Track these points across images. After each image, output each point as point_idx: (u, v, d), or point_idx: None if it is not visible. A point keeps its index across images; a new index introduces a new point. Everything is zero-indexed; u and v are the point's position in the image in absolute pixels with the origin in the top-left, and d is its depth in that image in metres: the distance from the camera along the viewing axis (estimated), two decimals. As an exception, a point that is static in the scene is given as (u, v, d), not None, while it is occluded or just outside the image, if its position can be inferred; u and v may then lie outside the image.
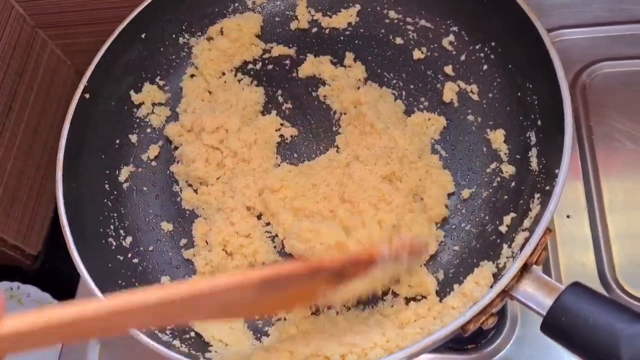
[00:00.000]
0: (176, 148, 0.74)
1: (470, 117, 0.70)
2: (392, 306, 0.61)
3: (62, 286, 1.01)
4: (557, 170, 0.55)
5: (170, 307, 0.40)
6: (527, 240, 0.53)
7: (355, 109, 0.70)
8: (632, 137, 0.75)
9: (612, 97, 0.78)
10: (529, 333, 0.66)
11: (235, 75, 0.78)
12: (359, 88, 0.73)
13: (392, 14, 0.78)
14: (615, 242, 0.70)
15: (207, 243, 0.67)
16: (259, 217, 0.68)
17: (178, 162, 0.73)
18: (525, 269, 0.52)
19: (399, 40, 0.76)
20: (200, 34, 0.79)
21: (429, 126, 0.70)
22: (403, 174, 0.66)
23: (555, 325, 0.48)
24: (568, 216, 0.72)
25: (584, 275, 0.68)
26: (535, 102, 0.64)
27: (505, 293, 0.52)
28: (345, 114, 0.72)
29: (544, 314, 0.49)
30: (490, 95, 0.70)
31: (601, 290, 0.67)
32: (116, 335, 0.43)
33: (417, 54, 0.75)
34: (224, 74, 0.77)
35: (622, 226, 0.70)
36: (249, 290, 0.44)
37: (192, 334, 0.61)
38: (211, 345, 0.60)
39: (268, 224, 0.67)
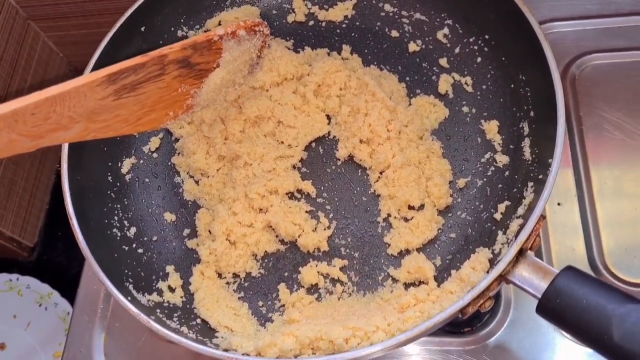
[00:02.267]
0: (177, 140, 0.75)
1: (465, 109, 0.72)
2: (391, 291, 0.63)
3: (60, 277, 1.02)
4: (550, 160, 0.58)
5: (28, 115, 0.42)
6: (522, 226, 0.56)
7: (358, 80, 0.71)
8: (620, 127, 0.78)
9: (601, 88, 0.81)
10: (523, 316, 0.68)
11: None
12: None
13: (387, 7, 0.79)
14: (604, 228, 0.72)
15: (210, 233, 0.68)
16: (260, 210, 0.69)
17: (179, 153, 0.74)
18: (520, 254, 0.54)
19: (394, 33, 0.78)
20: (198, 27, 0.80)
21: (432, 112, 0.72)
22: (402, 147, 0.68)
23: (550, 307, 0.50)
24: (559, 204, 0.75)
25: (574, 260, 0.71)
26: (528, 94, 0.66)
27: (502, 277, 0.54)
28: (343, 89, 0.73)
29: (539, 296, 0.51)
30: (484, 87, 0.72)
31: (591, 274, 0.69)
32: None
33: (412, 47, 0.77)
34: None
35: (611, 213, 0.73)
36: (101, 89, 0.45)
37: (199, 320, 0.63)
38: (217, 332, 0.62)
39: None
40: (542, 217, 0.56)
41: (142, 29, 0.76)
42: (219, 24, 0.80)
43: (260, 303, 0.66)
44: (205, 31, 0.80)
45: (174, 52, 0.51)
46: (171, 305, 0.64)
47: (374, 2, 0.80)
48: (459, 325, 0.69)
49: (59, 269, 1.04)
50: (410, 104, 0.72)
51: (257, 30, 0.58)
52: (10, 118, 0.42)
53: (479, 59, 0.73)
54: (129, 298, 0.59)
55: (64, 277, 1.00)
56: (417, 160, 0.68)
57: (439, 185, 0.66)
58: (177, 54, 0.51)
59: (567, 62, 0.83)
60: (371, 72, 0.73)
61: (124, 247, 0.68)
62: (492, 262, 0.59)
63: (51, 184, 1.14)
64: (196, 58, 0.52)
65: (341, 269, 0.66)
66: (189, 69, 0.51)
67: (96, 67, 0.71)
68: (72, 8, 1.06)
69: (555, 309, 0.50)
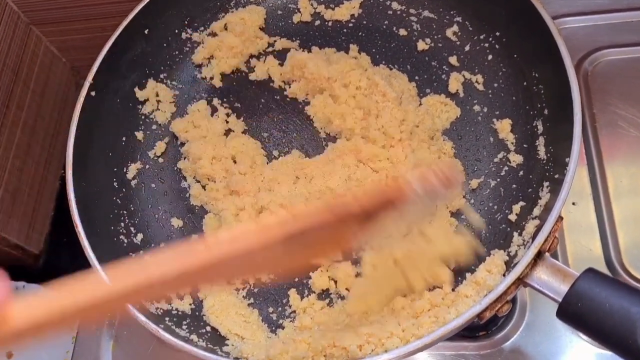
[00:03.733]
0: (182, 144, 0.74)
1: (477, 107, 0.71)
2: (405, 296, 0.62)
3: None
4: (567, 159, 0.56)
5: (186, 277, 0.37)
6: (539, 228, 0.54)
7: (368, 80, 0.70)
8: (635, 123, 0.76)
9: (615, 84, 0.79)
10: (539, 319, 0.67)
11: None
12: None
13: (395, 5, 0.78)
14: (620, 227, 0.71)
15: (218, 238, 0.67)
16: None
17: (185, 158, 0.73)
18: (538, 256, 0.53)
19: (402, 32, 0.76)
20: (202, 28, 0.79)
21: (443, 111, 0.70)
22: (414, 149, 0.66)
23: (571, 311, 0.48)
24: (574, 203, 0.73)
25: (590, 260, 0.69)
26: (542, 91, 0.65)
27: (520, 281, 0.53)
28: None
29: (560, 300, 0.49)
30: (496, 85, 0.71)
31: (609, 275, 0.68)
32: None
33: (421, 45, 0.75)
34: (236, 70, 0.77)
35: (628, 211, 0.71)
36: (272, 249, 0.39)
37: (208, 328, 0.62)
38: (227, 339, 0.60)
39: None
40: (560, 218, 0.54)
41: (146, 31, 0.75)
42: (225, 27, 0.79)
43: (271, 309, 0.64)
44: (211, 34, 0.79)
45: (362, 205, 0.43)
46: (180, 313, 0.63)
47: (380, 0, 0.78)
48: (474, 329, 0.67)
49: (65, 276, 1.02)
50: (420, 104, 0.71)
51: (450, 186, 0.47)
52: (170, 280, 0.37)
53: (489, 57, 0.72)
54: (137, 306, 0.58)
55: (71, 284, 0.99)
56: (429, 161, 0.66)
57: None
58: (362, 208, 0.43)
59: (580, 58, 0.81)
60: (381, 72, 0.72)
61: (130, 254, 0.66)
62: (509, 265, 0.57)
63: (56, 191, 1.13)
64: (379, 210, 0.44)
65: (355, 275, 0.64)
66: (367, 218, 0.44)
67: (100, 70, 0.70)
68: (74, 12, 1.05)
69: (576, 313, 0.48)
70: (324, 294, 0.64)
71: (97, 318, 0.36)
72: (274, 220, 0.39)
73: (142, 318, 0.56)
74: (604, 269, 0.69)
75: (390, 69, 0.74)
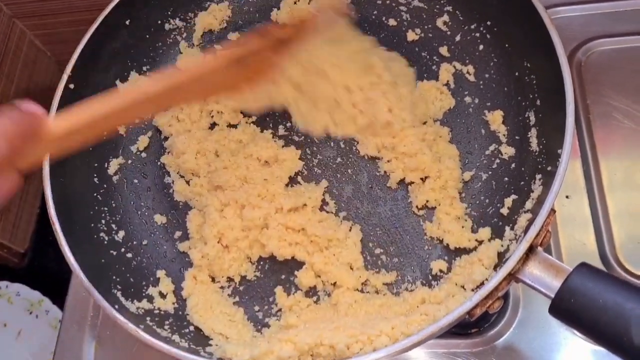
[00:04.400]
0: (166, 138, 0.72)
1: (468, 99, 0.69)
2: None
3: (52, 283, 0.99)
4: (559, 150, 0.54)
5: (166, 94, 0.47)
6: (531, 221, 0.53)
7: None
8: (630, 115, 0.75)
9: (609, 75, 0.77)
10: (532, 315, 0.65)
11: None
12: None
13: (384, -6, 0.76)
14: (615, 221, 0.69)
15: (202, 236, 0.65)
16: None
17: (168, 153, 0.71)
18: (530, 250, 0.51)
19: (392, 22, 0.75)
20: (187, 19, 0.77)
21: (437, 98, 0.69)
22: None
23: (564, 307, 0.47)
24: (567, 196, 0.72)
25: (584, 255, 0.68)
26: (534, 82, 0.63)
27: (511, 276, 0.51)
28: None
29: (552, 296, 0.48)
30: (487, 75, 0.69)
31: (603, 270, 0.66)
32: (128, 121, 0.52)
33: (411, 36, 0.73)
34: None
35: (622, 205, 0.70)
36: (221, 70, 0.50)
37: (192, 327, 0.60)
38: (211, 339, 0.58)
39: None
40: (552, 211, 0.53)
41: (127, 22, 0.72)
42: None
43: (257, 308, 0.63)
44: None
45: (280, 32, 0.54)
46: (162, 313, 0.61)
47: (369, -11, 0.76)
48: (466, 326, 0.65)
49: (50, 276, 1.00)
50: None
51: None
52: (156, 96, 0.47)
53: (481, 47, 0.70)
54: (117, 306, 0.56)
55: (56, 284, 0.96)
56: (427, 140, 0.65)
57: (451, 168, 0.64)
58: (282, 35, 0.54)
59: (573, 48, 0.79)
60: (380, 53, 0.69)
61: (111, 252, 0.64)
62: (500, 259, 0.56)
63: (42, 188, 1.11)
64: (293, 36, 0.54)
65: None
66: (284, 45, 0.54)
67: (78, 62, 0.68)
68: (58, 5, 1.02)
69: (569, 309, 0.47)
70: (311, 292, 0.62)
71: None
72: (218, 54, 0.51)
73: (121, 318, 0.54)
74: (599, 264, 0.67)
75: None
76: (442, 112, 0.68)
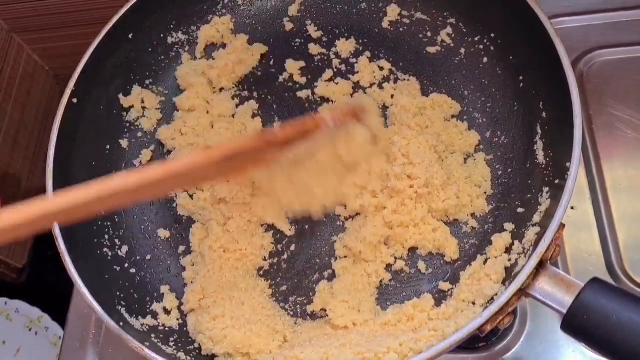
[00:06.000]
0: (169, 152, 0.71)
1: (476, 114, 0.68)
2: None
3: (51, 299, 0.98)
4: (568, 164, 0.54)
5: (146, 188, 0.47)
6: (540, 235, 0.52)
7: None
8: (633, 125, 0.75)
9: (611, 85, 0.77)
10: (540, 328, 0.64)
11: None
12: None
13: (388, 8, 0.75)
14: (620, 232, 0.69)
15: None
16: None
17: (171, 166, 0.70)
18: (540, 265, 0.51)
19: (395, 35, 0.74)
20: (189, 32, 0.76)
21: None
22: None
23: (577, 323, 0.46)
24: (572, 207, 0.71)
25: (591, 267, 0.68)
26: (539, 94, 0.63)
27: (521, 291, 0.50)
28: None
29: (564, 312, 0.47)
30: (493, 89, 0.68)
31: (609, 282, 0.66)
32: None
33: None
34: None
35: (627, 215, 0.69)
36: (212, 167, 0.51)
37: (197, 344, 0.59)
38: (217, 357, 0.58)
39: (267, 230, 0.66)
40: (562, 225, 0.52)
41: (130, 36, 0.72)
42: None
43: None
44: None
45: (283, 137, 0.55)
46: (167, 329, 0.60)
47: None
48: (474, 340, 0.65)
49: (49, 291, 0.99)
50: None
51: (357, 119, 0.60)
52: (132, 191, 0.46)
53: (485, 59, 0.70)
54: (121, 323, 0.55)
55: (55, 300, 0.95)
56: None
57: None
58: (284, 139, 0.56)
59: (574, 59, 0.79)
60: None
61: (115, 267, 0.64)
62: (509, 274, 0.55)
63: (40, 202, 1.10)
64: (297, 138, 0.57)
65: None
66: (287, 145, 0.56)
67: (82, 77, 0.67)
68: (56, 19, 1.02)
69: (582, 325, 0.46)
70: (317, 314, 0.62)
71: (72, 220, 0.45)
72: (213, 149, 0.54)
73: (126, 336, 0.53)
74: (606, 276, 0.67)
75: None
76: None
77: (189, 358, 0.56)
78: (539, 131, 0.62)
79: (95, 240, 0.64)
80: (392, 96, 0.70)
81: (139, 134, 0.73)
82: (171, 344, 0.58)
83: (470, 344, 0.65)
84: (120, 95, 0.72)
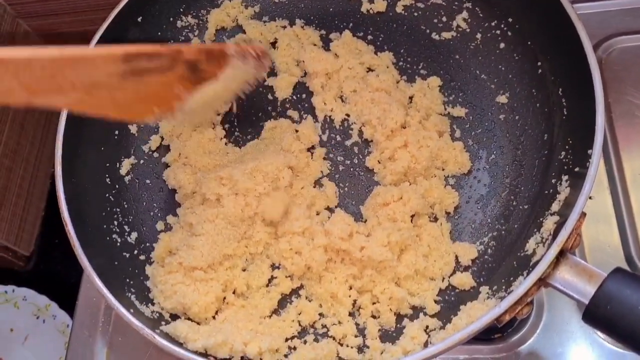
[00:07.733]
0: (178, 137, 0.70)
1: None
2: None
3: (59, 286, 0.97)
4: (589, 151, 0.52)
5: (39, 68, 0.42)
6: (561, 224, 0.51)
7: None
8: (653, 113, 0.73)
9: (630, 72, 0.75)
10: (557, 319, 0.63)
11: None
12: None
13: (401, -9, 0.74)
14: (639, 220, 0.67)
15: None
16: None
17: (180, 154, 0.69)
18: (561, 255, 0.50)
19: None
20: (199, 16, 0.75)
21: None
22: None
23: (600, 314, 0.45)
24: (590, 197, 0.69)
25: (610, 257, 0.66)
26: (558, 80, 0.61)
27: (541, 281, 0.49)
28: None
29: (586, 302, 0.46)
30: (510, 76, 0.67)
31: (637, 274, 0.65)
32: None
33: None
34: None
35: (647, 205, 0.68)
36: (114, 65, 0.47)
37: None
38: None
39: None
40: (583, 214, 0.51)
41: (139, 19, 0.71)
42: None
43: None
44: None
45: (190, 52, 0.52)
46: (177, 316, 0.59)
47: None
48: (490, 331, 0.64)
49: (57, 279, 0.99)
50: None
51: (262, 62, 0.58)
52: (21, 64, 0.42)
53: (502, 45, 0.68)
54: (131, 310, 0.55)
55: (63, 288, 0.95)
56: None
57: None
58: (191, 55, 0.52)
59: (592, 45, 0.77)
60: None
61: (124, 254, 0.63)
62: (528, 264, 0.54)
63: (47, 189, 1.09)
64: (204, 64, 0.53)
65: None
66: (192, 72, 0.53)
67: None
68: (62, 5, 1.01)
69: (605, 316, 0.45)
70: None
71: None
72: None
73: (136, 323, 0.52)
74: (624, 265, 0.66)
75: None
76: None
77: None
78: (558, 118, 0.61)
79: (105, 226, 0.63)
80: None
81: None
82: (181, 331, 0.57)
83: (485, 335, 0.64)
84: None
